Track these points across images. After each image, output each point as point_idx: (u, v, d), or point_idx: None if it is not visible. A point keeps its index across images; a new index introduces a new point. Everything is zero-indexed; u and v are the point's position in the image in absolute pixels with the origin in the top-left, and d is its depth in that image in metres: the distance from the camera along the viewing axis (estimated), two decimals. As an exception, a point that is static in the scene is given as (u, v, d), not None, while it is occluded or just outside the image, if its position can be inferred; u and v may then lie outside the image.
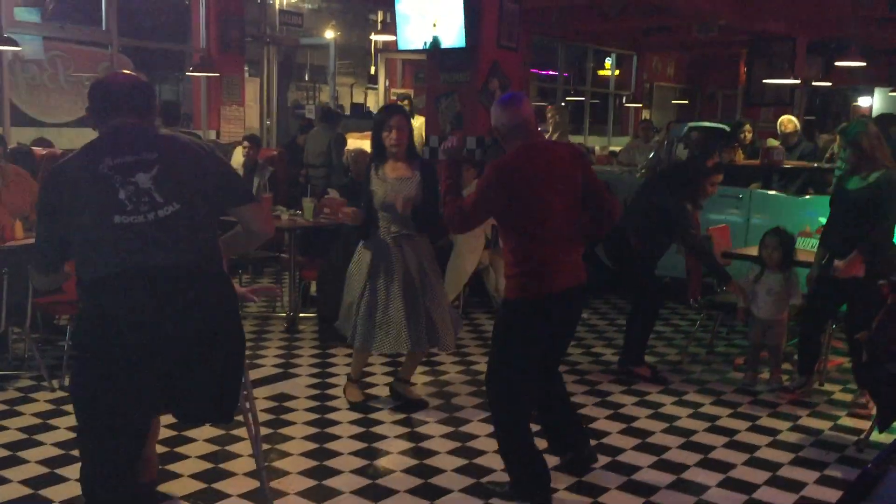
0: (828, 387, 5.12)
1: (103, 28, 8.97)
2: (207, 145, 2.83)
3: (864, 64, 12.17)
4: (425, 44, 7.54)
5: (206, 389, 2.64)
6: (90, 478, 2.64)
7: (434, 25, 7.45)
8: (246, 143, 7.66)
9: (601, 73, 16.49)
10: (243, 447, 3.95)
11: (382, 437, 4.17)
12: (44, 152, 6.90)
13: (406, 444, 4.09)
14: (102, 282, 2.51)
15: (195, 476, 3.67)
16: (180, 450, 3.92)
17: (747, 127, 9.30)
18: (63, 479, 3.58)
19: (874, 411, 4.21)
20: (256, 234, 2.90)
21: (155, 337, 2.50)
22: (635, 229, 5.17)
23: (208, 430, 4.11)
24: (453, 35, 7.30)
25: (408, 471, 3.79)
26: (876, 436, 4.15)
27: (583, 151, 3.54)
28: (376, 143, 4.40)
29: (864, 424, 4.39)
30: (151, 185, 2.52)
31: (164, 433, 4.04)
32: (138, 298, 2.49)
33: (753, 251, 5.38)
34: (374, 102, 13.64)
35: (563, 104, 13.74)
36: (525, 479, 3.49)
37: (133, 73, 2.85)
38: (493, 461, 3.87)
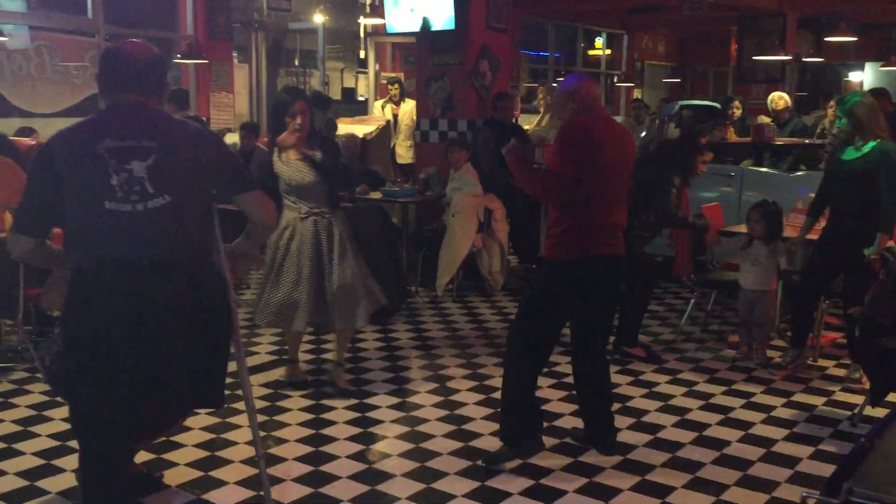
0: (822, 362, 5.14)
1: (89, 16, 8.91)
2: (213, 134, 2.79)
3: (855, 39, 12.17)
4: (415, 26, 7.50)
5: (192, 378, 2.64)
6: (84, 467, 2.65)
7: (413, 10, 7.41)
8: (242, 132, 7.60)
9: (592, 52, 16.43)
10: (239, 434, 3.96)
11: (378, 422, 4.18)
12: (32, 143, 6.85)
13: (402, 428, 4.11)
14: (87, 271, 2.51)
15: (191, 465, 3.67)
16: (176, 439, 3.91)
17: (736, 103, 9.29)
18: (60, 470, 3.58)
19: (868, 386, 4.23)
20: (258, 223, 2.89)
21: (137, 329, 2.50)
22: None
23: (204, 419, 4.11)
24: (443, 17, 7.26)
25: (404, 454, 3.80)
26: (869, 410, 4.17)
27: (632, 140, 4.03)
28: (279, 127, 4.36)
29: (858, 399, 4.41)
30: (145, 174, 2.49)
31: (160, 422, 4.04)
32: (121, 291, 2.48)
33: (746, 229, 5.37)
34: (364, 87, 13.57)
35: (554, 85, 13.70)
36: (517, 430, 3.71)
37: (147, 44, 2.74)
38: (490, 443, 3.89)
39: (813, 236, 5.13)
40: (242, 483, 3.50)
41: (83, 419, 2.62)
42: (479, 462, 3.71)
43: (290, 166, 4.34)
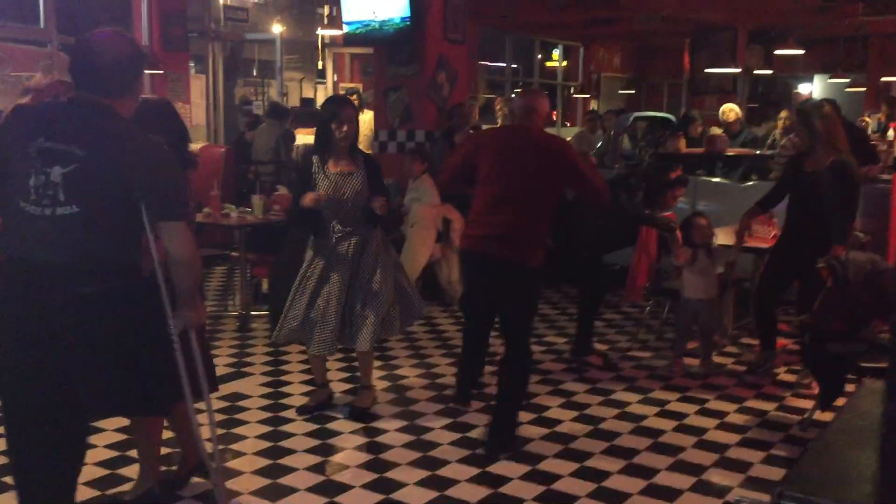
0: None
1: (41, 26, 8.76)
2: (161, 151, 2.61)
3: (803, 52, 12.46)
4: (366, 25, 7.48)
5: (119, 385, 2.62)
6: (17, 475, 2.64)
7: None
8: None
9: (549, 64, 16.59)
10: (196, 448, 3.90)
11: (337, 433, 4.15)
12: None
13: (360, 440, 4.08)
14: (2, 266, 2.53)
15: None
16: (131, 453, 3.85)
17: (698, 121, 9.42)
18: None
19: (817, 391, 4.32)
20: (172, 255, 2.63)
21: (39, 331, 2.49)
22: (594, 225, 5.14)
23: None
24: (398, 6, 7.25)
25: (362, 466, 3.78)
26: (819, 415, 4.25)
27: (563, 149, 3.99)
28: (324, 134, 4.13)
29: (808, 404, 4.49)
30: (61, 180, 2.45)
31: (115, 437, 3.98)
32: (25, 291, 2.48)
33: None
34: (322, 97, 13.51)
35: (511, 96, 13.80)
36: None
37: (122, 37, 2.56)
38: (448, 453, 3.89)
39: (762, 244, 5.24)
40: (199, 497, 3.45)
41: (13, 422, 2.62)
42: (438, 472, 3.71)
43: (329, 179, 4.13)
